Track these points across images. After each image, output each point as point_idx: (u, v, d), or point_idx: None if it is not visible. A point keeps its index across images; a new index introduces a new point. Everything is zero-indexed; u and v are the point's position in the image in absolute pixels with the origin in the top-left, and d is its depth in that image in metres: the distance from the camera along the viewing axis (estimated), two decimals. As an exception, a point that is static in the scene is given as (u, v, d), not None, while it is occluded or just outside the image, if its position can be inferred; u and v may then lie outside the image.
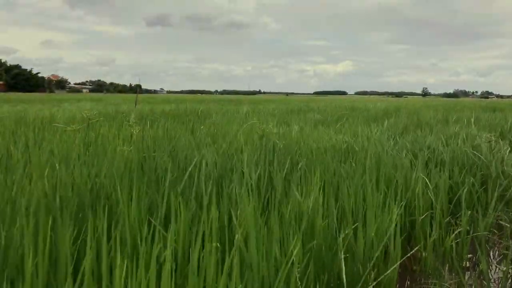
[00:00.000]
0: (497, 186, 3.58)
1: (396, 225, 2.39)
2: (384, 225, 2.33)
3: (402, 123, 7.79)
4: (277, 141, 4.15)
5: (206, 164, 2.95)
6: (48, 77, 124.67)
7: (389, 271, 2.18)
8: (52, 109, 11.81)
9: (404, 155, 4.02)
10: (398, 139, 5.39)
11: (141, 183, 2.31)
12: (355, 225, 2.29)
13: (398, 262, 2.28)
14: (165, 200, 2.19)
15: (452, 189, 3.60)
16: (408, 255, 2.53)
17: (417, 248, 2.74)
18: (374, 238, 2.25)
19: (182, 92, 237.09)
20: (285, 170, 3.09)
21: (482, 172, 3.98)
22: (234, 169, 3.05)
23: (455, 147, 4.56)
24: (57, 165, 2.62)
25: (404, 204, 2.78)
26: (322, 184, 2.62)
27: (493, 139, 4.67)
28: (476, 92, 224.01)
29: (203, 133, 5.32)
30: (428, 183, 3.19)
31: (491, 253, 3.11)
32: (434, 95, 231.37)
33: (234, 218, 2.13)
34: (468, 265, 2.87)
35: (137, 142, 3.82)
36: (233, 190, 2.49)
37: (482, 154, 4.34)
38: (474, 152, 4.37)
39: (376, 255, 2.19)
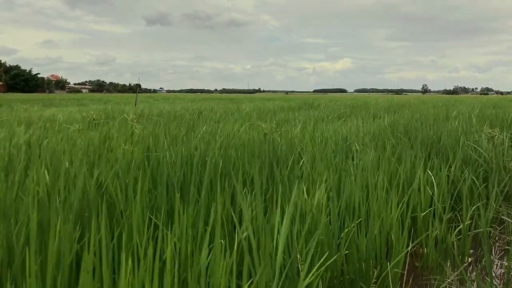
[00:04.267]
0: (499, 182, 3.59)
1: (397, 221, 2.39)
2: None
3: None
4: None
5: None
6: (48, 78, 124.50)
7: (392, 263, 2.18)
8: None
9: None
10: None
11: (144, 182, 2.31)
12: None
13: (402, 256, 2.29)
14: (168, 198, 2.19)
15: (454, 184, 3.61)
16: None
17: (416, 243, 2.74)
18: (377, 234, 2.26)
19: (181, 91, 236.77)
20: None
21: (483, 168, 3.99)
22: (238, 168, 3.05)
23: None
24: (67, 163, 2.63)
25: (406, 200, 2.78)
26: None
27: (495, 134, 4.67)
28: (476, 88, 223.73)
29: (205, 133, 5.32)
30: (433, 179, 3.20)
31: (493, 249, 3.12)
32: (434, 92, 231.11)
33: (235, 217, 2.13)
34: (470, 260, 2.88)
35: (139, 141, 3.83)
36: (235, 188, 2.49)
37: (483, 148, 4.35)
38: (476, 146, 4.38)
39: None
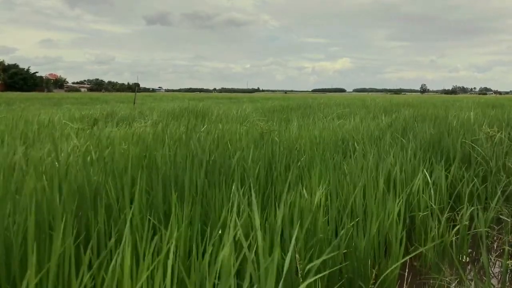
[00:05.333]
0: (499, 182, 3.59)
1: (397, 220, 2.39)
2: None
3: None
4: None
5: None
6: (46, 76, 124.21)
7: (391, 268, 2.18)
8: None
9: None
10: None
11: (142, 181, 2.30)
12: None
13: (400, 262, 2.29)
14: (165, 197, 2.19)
15: (453, 183, 3.61)
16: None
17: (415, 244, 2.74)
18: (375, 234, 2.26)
19: (180, 90, 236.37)
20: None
21: (482, 168, 3.99)
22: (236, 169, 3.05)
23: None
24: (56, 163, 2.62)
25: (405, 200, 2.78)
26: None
27: (495, 133, 4.67)
28: (475, 88, 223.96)
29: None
30: (429, 179, 3.20)
31: (491, 248, 3.12)
32: (433, 91, 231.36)
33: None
34: (468, 260, 2.89)
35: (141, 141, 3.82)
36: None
37: (482, 148, 4.36)
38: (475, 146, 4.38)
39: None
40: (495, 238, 3.23)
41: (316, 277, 1.64)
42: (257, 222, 1.63)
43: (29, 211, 1.63)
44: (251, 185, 2.15)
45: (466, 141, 4.63)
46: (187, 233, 1.91)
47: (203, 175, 2.53)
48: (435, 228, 2.74)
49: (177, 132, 4.82)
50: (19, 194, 1.99)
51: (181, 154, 3.02)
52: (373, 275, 2.28)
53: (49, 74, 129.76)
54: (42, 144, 3.95)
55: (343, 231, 2.18)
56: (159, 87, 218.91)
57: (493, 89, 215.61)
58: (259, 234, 1.59)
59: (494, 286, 2.51)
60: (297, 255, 1.80)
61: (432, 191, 3.10)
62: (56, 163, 2.43)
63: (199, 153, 3.03)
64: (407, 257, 2.43)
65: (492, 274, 2.68)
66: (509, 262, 2.43)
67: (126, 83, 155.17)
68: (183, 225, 1.88)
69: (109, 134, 4.65)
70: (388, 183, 3.08)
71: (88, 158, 2.82)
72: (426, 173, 3.27)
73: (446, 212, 3.06)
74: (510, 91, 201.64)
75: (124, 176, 2.37)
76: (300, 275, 1.79)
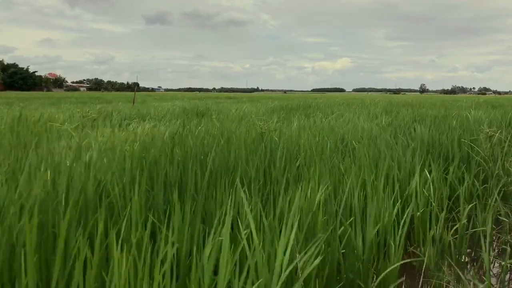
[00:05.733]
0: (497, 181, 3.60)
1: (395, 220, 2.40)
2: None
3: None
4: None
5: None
6: (46, 76, 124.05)
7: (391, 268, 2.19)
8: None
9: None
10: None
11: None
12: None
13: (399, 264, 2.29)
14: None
15: (452, 184, 3.62)
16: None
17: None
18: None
19: (180, 90, 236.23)
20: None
21: (481, 168, 4.00)
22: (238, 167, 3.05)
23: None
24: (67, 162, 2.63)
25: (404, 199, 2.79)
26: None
27: (494, 133, 4.68)
28: (474, 88, 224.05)
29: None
30: (428, 176, 3.21)
31: (490, 248, 3.13)
32: (432, 91, 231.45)
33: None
34: (467, 260, 2.89)
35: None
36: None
37: (481, 148, 4.36)
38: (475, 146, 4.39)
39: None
40: (493, 237, 3.24)
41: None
42: (251, 222, 1.63)
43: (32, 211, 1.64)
44: (251, 184, 2.16)
45: (465, 141, 4.64)
46: (187, 232, 1.92)
47: (207, 175, 2.54)
48: (434, 227, 2.75)
49: (177, 131, 4.82)
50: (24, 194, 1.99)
51: (181, 154, 3.03)
52: (372, 274, 2.28)
53: (49, 74, 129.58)
54: (43, 143, 3.96)
55: (340, 230, 2.19)
56: (159, 87, 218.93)
57: (492, 89, 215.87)
58: (254, 233, 1.60)
59: (493, 285, 2.52)
60: (297, 254, 1.81)
61: (431, 190, 3.11)
62: (67, 162, 2.45)
63: (199, 153, 3.04)
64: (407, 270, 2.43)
65: (492, 274, 2.68)
66: (509, 261, 2.44)
67: (125, 82, 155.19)
68: (184, 227, 1.89)
69: (109, 134, 4.65)
70: (387, 182, 3.09)
71: (89, 158, 2.83)
72: (427, 171, 3.27)
73: (446, 212, 3.07)
74: (510, 91, 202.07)
75: (124, 176, 2.38)
76: (299, 273, 1.80)
